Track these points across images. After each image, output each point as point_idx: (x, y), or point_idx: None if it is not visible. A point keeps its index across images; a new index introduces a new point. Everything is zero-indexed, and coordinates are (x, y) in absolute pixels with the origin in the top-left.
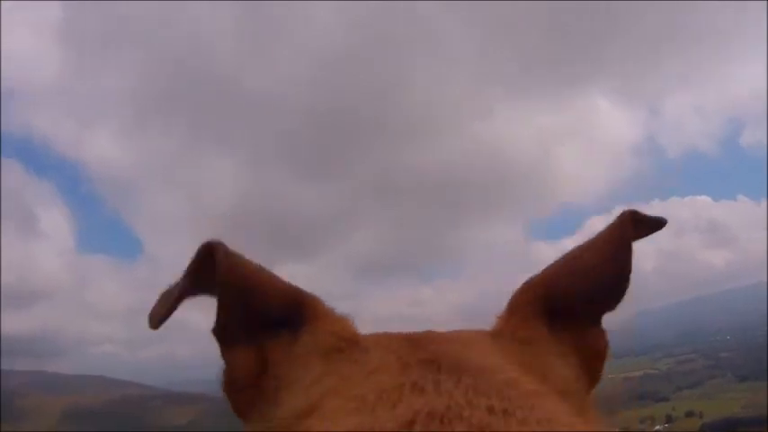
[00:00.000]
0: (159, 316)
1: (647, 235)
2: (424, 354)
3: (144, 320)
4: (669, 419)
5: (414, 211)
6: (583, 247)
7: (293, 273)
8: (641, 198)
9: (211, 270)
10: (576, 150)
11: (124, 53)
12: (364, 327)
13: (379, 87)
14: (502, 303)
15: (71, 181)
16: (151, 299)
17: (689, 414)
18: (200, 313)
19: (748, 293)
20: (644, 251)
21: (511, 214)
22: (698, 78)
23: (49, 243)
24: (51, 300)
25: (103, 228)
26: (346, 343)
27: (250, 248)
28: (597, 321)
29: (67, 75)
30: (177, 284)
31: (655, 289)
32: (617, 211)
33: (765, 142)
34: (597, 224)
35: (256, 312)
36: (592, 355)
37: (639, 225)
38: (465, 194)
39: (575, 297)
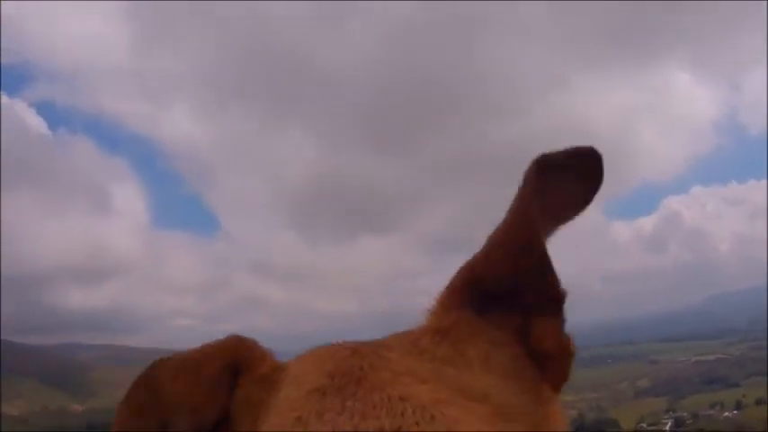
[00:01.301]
0: None
1: (575, 198)
2: (326, 378)
3: (221, 295)
4: (739, 406)
5: (489, 188)
6: (496, 231)
7: (371, 246)
8: (719, 178)
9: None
10: (653, 126)
11: (197, 32)
12: None
13: (453, 62)
14: (575, 284)
15: (148, 159)
16: (228, 274)
17: (759, 402)
18: (277, 288)
19: None
20: (720, 234)
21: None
22: None
23: (124, 219)
24: (127, 275)
25: (180, 204)
26: (269, 379)
27: (328, 222)
28: (543, 312)
29: (140, 55)
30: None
31: (730, 273)
32: (694, 191)
33: None
34: (673, 203)
35: (213, 417)
36: (539, 350)
37: (553, 172)
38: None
39: (500, 282)
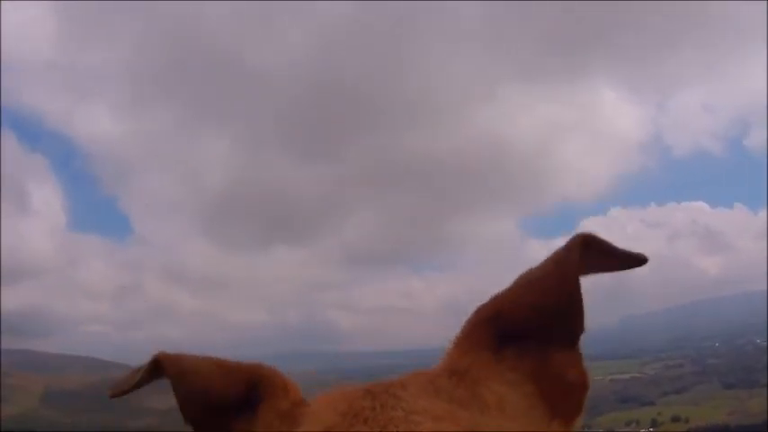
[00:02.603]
0: (120, 391)
1: (611, 268)
2: (337, 418)
3: (133, 301)
4: (654, 424)
5: (408, 200)
6: (533, 270)
7: (286, 257)
8: (640, 200)
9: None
10: (577, 144)
11: (120, 25)
12: (356, 317)
13: (380, 67)
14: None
15: (66, 157)
16: (141, 280)
17: (675, 419)
18: (188, 296)
19: (739, 302)
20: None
21: (506, 208)
22: (709, 74)
23: (39, 220)
24: (39, 278)
25: (95, 207)
26: (289, 416)
27: (243, 230)
28: (563, 347)
29: (62, 47)
30: (136, 378)
31: (647, 293)
32: (612, 213)
33: (766, 146)
34: (592, 225)
35: (216, 404)
36: (557, 384)
37: (594, 252)
38: (460, 184)
39: (524, 322)
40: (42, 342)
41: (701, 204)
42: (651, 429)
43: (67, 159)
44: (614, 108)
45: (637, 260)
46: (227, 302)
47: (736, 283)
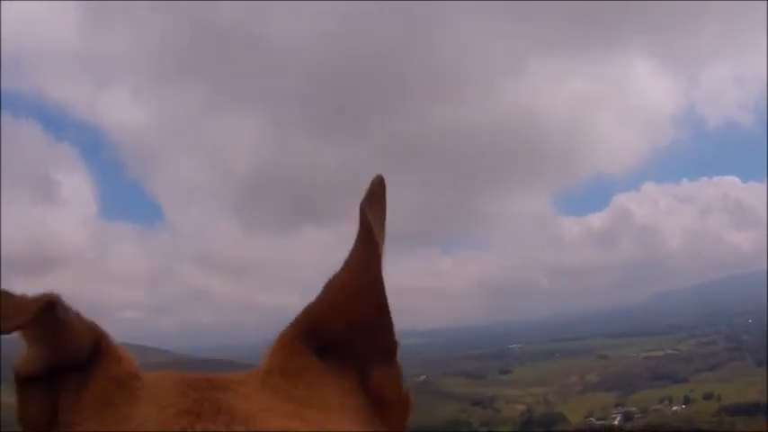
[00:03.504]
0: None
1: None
2: (188, 401)
3: (165, 286)
4: (687, 401)
5: (437, 177)
6: (336, 277)
7: (315, 238)
8: (672, 174)
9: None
10: (609, 116)
11: (140, 9)
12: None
13: (405, 42)
14: (521, 278)
15: (92, 146)
16: (172, 265)
17: (707, 396)
18: (220, 280)
19: None
20: (671, 230)
21: (537, 183)
22: (741, 45)
23: (69, 209)
24: (71, 267)
25: (125, 194)
26: (126, 386)
27: (271, 212)
28: (381, 363)
29: (84, 36)
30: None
31: (680, 269)
32: (645, 188)
33: None
34: (623, 201)
35: (55, 360)
36: (378, 401)
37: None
38: (490, 161)
39: (339, 336)
40: None
41: (733, 179)
42: (683, 406)
43: (95, 148)
44: (646, 80)
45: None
46: (259, 286)
47: None
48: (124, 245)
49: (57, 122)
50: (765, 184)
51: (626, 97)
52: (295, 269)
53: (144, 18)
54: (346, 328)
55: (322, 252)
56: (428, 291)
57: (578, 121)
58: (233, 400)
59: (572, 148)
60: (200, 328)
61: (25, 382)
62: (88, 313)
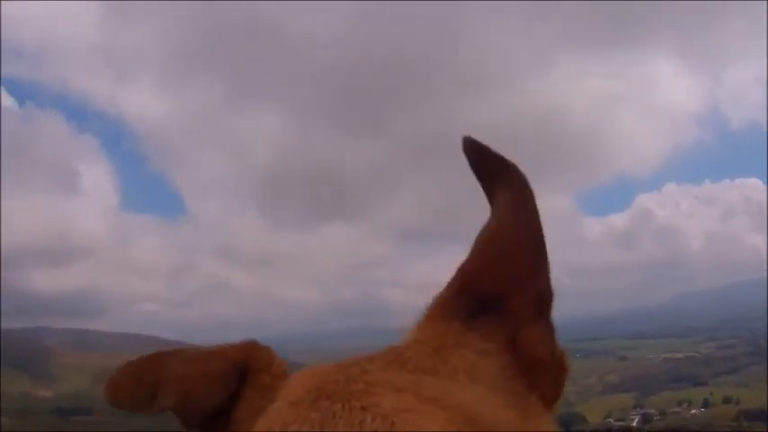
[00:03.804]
0: (118, 400)
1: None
2: (303, 393)
3: (186, 279)
4: (706, 404)
5: (461, 173)
6: (485, 226)
7: (338, 233)
8: (694, 174)
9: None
10: (632, 115)
11: (163, 3)
12: (409, 294)
13: (429, 36)
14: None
15: (114, 137)
16: (193, 258)
17: (726, 400)
18: (241, 273)
19: None
20: (692, 232)
21: (560, 181)
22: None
23: (90, 200)
24: (92, 259)
25: (146, 186)
26: (273, 385)
27: (294, 205)
28: (534, 320)
29: (105, 27)
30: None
31: (701, 271)
32: (667, 189)
33: None
34: (646, 202)
35: (213, 409)
36: (529, 360)
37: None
38: (514, 157)
39: (492, 292)
40: (96, 321)
41: (755, 181)
42: (702, 410)
43: (117, 139)
44: (670, 79)
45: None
46: (280, 280)
47: None
48: (145, 237)
49: (79, 113)
50: None
51: (649, 96)
52: (317, 264)
53: (167, 9)
54: (498, 283)
55: (344, 248)
56: None
57: (602, 120)
58: (348, 382)
59: (595, 148)
60: (221, 321)
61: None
62: (109, 305)
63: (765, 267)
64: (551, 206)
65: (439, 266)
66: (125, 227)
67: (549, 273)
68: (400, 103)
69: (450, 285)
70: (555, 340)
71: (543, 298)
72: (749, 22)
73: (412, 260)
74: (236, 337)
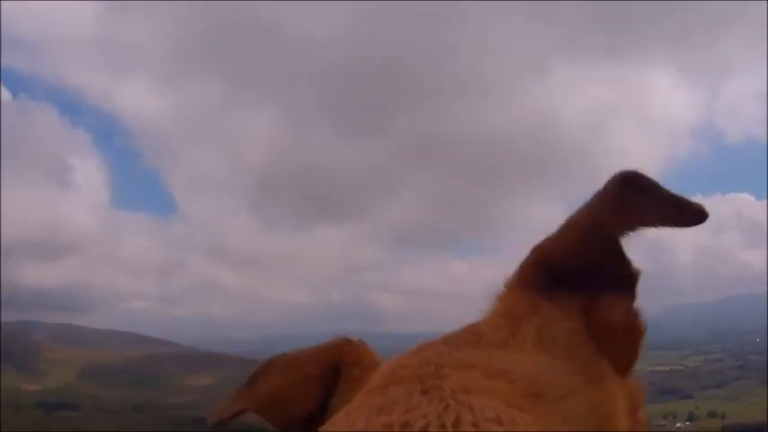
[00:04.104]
0: (219, 418)
1: (660, 218)
2: (379, 379)
3: (175, 278)
4: (691, 418)
5: (454, 179)
6: (575, 214)
7: (329, 236)
8: (687, 189)
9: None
10: (627, 126)
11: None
12: (399, 299)
13: (428, 40)
14: None
15: (108, 133)
16: (183, 257)
17: (711, 414)
18: (231, 274)
19: None
20: (682, 245)
21: (554, 190)
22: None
23: (82, 196)
24: (82, 254)
25: (139, 184)
26: (361, 377)
27: (286, 207)
28: (614, 290)
29: (103, 22)
30: (227, 414)
31: (690, 284)
32: None
33: None
34: None
35: (311, 413)
36: (604, 325)
37: (639, 193)
38: (508, 164)
39: (573, 265)
40: (85, 317)
41: (747, 196)
42: (687, 423)
43: (110, 135)
44: (667, 91)
45: (690, 208)
46: (270, 281)
47: None
48: (136, 234)
49: (73, 107)
50: None
51: (646, 107)
52: (308, 266)
53: (167, 7)
54: (578, 259)
55: (336, 250)
56: (443, 294)
57: (597, 129)
58: (420, 365)
59: (589, 155)
60: (210, 321)
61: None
62: (97, 301)
63: (755, 282)
64: (543, 213)
65: (428, 273)
66: (116, 223)
67: (624, 258)
68: (398, 104)
69: (531, 255)
70: (632, 308)
71: (627, 275)
72: (748, 36)
73: (403, 265)
74: (225, 337)
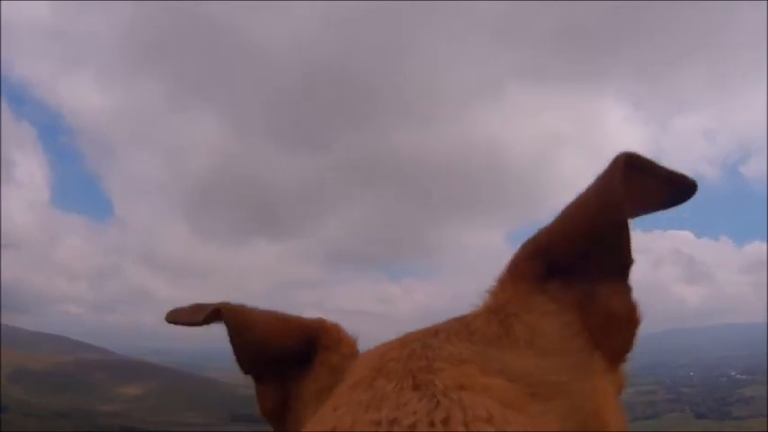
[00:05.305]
0: (179, 319)
1: (658, 196)
2: (366, 372)
3: (110, 284)
4: None
5: (395, 200)
6: (576, 200)
7: (265, 250)
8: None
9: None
10: (574, 157)
11: None
12: (331, 318)
13: (379, 60)
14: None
15: (50, 128)
16: (118, 263)
17: None
18: (164, 282)
19: (718, 333)
20: None
21: (494, 218)
22: (716, 97)
23: (22, 191)
24: (18, 251)
25: (78, 184)
26: (342, 365)
27: (222, 219)
28: (611, 278)
29: (58, 14)
30: (194, 317)
31: None
32: None
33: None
34: None
35: (272, 358)
36: (602, 315)
37: (639, 174)
38: (450, 188)
39: (570, 254)
40: (17, 317)
41: (687, 234)
42: None
43: (54, 131)
44: (617, 123)
45: (683, 181)
46: (203, 292)
47: (715, 314)
48: (72, 236)
49: (18, 99)
50: (718, 242)
51: (595, 138)
52: (241, 279)
53: (125, 5)
54: (578, 247)
55: (271, 265)
56: (374, 315)
57: (543, 158)
58: (409, 358)
59: (532, 185)
60: (141, 330)
61: (259, 382)
62: (32, 302)
63: (690, 317)
64: (478, 242)
65: (362, 293)
66: (54, 223)
67: (630, 248)
68: (344, 122)
69: (527, 246)
70: (630, 295)
71: (624, 264)
72: (705, 73)
73: (337, 284)
74: (156, 347)
